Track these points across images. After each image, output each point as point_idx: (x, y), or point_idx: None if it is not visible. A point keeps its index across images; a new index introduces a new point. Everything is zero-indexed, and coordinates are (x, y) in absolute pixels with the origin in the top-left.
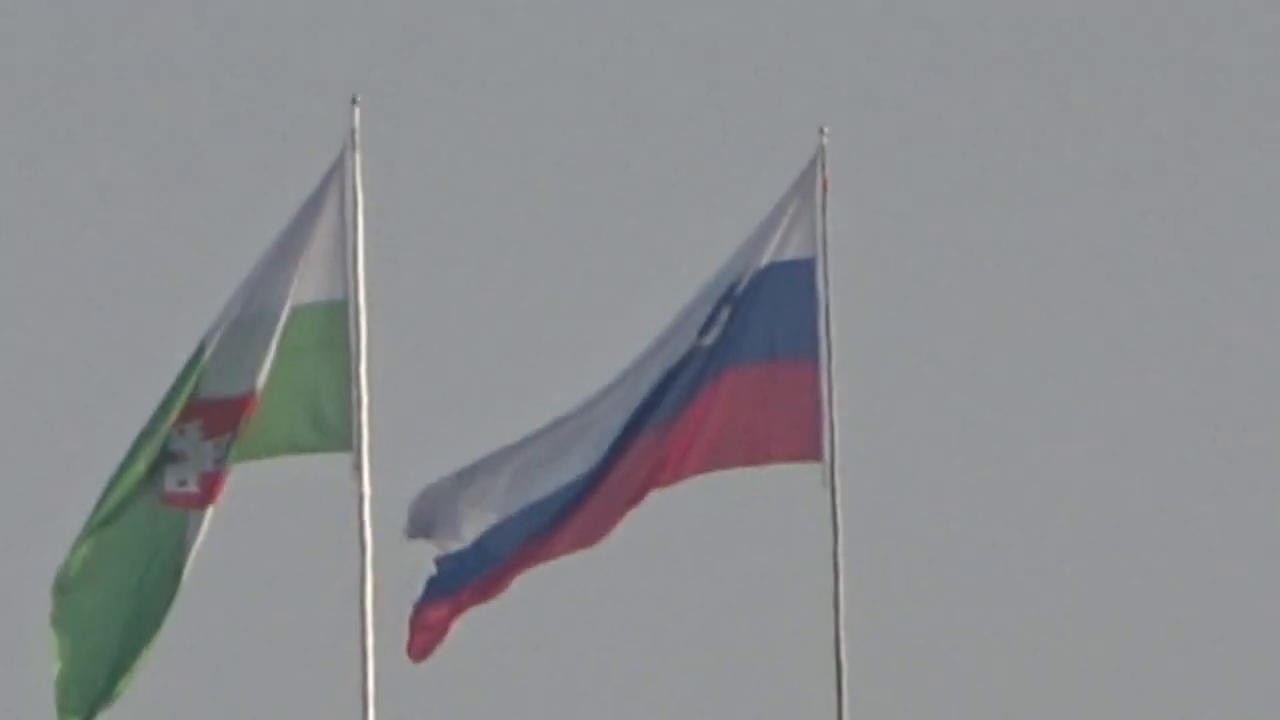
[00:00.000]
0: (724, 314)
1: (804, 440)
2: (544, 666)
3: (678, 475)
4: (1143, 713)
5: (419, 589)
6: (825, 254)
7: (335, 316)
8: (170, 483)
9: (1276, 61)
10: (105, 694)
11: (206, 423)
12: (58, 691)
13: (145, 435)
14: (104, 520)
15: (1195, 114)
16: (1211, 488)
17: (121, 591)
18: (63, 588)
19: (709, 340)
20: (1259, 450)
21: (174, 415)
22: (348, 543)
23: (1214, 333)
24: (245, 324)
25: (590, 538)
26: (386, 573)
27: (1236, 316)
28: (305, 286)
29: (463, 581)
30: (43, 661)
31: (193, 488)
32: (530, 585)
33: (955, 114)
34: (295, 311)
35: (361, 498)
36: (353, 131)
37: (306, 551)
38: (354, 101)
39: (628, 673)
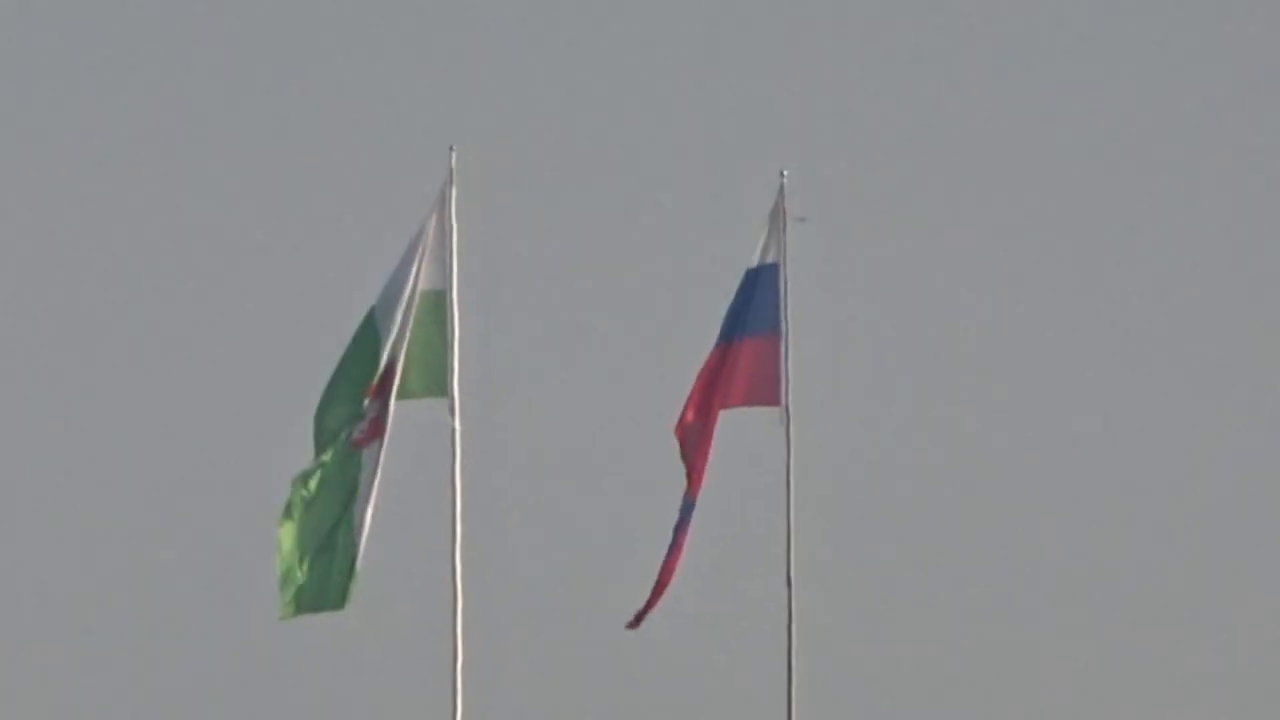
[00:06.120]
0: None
1: (767, 391)
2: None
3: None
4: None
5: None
6: (785, 261)
7: (439, 301)
8: (355, 433)
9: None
10: (328, 596)
11: (374, 387)
12: (282, 585)
13: (342, 398)
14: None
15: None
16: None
17: (331, 508)
18: (289, 507)
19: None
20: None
21: (371, 388)
22: (444, 459)
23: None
24: (392, 303)
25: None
26: (467, 480)
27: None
28: (421, 279)
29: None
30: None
31: (362, 433)
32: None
33: (878, 162)
34: (416, 296)
35: (454, 431)
36: (451, 171)
37: (420, 466)
38: (451, 149)
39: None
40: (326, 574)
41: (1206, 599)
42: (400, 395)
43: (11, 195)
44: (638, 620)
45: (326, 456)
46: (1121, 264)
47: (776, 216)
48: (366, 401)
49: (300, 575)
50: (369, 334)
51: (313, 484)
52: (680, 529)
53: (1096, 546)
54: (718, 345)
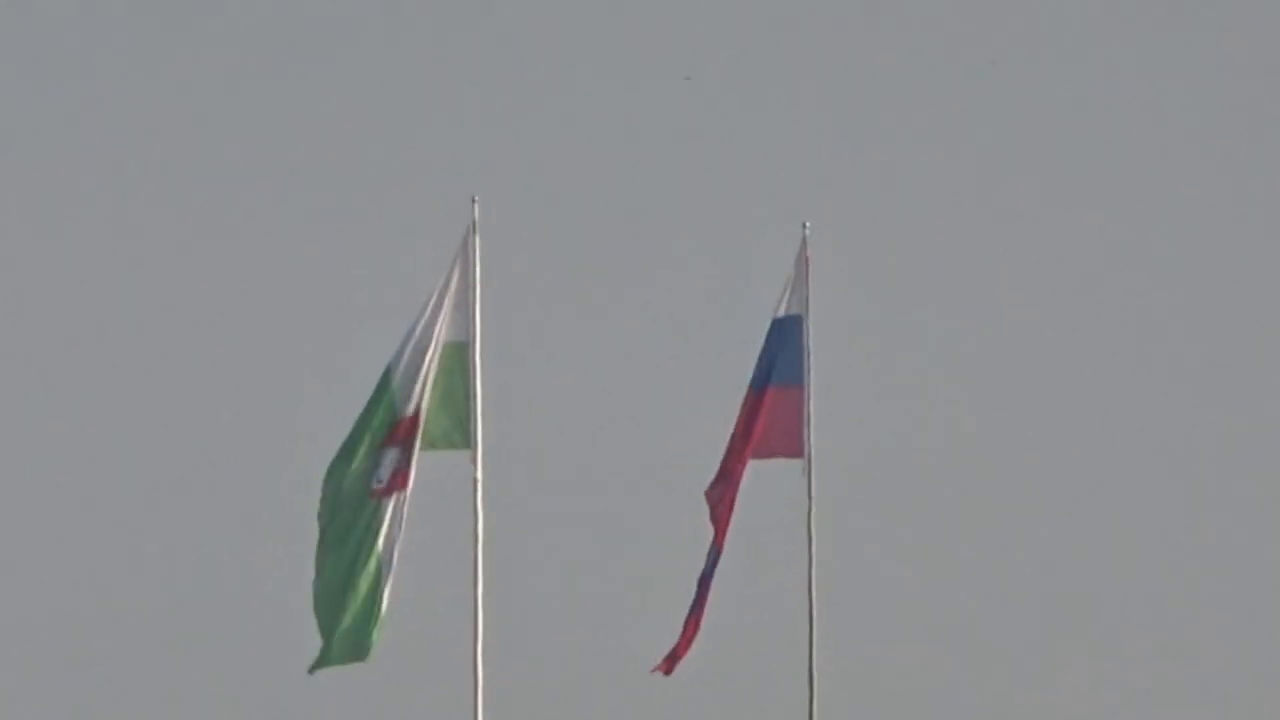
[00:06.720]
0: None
1: (790, 442)
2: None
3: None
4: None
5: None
6: (808, 312)
7: (461, 353)
8: (373, 482)
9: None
10: (353, 648)
11: (388, 437)
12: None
13: (356, 449)
14: (332, 505)
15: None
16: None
17: (348, 558)
18: (317, 553)
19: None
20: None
21: (382, 438)
22: (467, 510)
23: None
24: (414, 354)
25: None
26: (489, 531)
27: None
28: (443, 330)
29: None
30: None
31: (383, 483)
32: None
33: (899, 215)
34: (439, 348)
35: (476, 481)
36: (474, 222)
37: (443, 516)
38: (473, 200)
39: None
40: (351, 626)
41: (1210, 600)
42: (423, 447)
43: (14, 201)
44: (668, 667)
45: (336, 510)
46: (1146, 315)
47: (800, 267)
48: (381, 453)
49: (324, 628)
50: (383, 393)
51: (330, 538)
52: (706, 579)
53: (1125, 587)
54: (745, 396)
